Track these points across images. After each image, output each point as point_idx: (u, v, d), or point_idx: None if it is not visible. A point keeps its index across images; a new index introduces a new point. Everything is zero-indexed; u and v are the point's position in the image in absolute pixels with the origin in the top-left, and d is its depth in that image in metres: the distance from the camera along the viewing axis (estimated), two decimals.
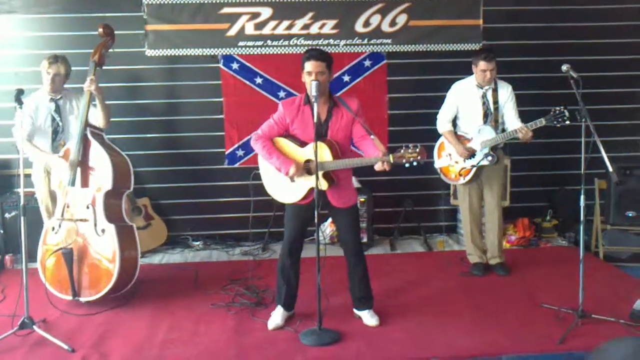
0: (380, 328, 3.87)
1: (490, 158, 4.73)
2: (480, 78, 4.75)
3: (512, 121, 4.75)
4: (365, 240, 5.58)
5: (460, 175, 4.88)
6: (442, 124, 4.94)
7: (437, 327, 3.88)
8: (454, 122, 4.98)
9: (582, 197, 3.83)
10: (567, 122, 4.37)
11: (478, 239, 5.06)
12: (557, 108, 4.40)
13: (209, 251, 5.78)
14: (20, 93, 3.87)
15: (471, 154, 4.79)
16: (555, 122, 4.42)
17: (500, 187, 4.96)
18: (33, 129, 4.55)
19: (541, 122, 4.48)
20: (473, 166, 4.79)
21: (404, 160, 3.60)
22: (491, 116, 4.79)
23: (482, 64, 4.68)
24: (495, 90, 4.79)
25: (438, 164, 5.04)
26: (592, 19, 6.03)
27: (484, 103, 4.79)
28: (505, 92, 4.79)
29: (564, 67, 3.97)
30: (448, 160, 4.94)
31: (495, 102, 4.78)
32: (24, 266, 3.78)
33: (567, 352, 3.51)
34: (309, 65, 3.69)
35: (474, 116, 4.83)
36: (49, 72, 4.53)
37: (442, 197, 6.01)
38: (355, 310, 4.04)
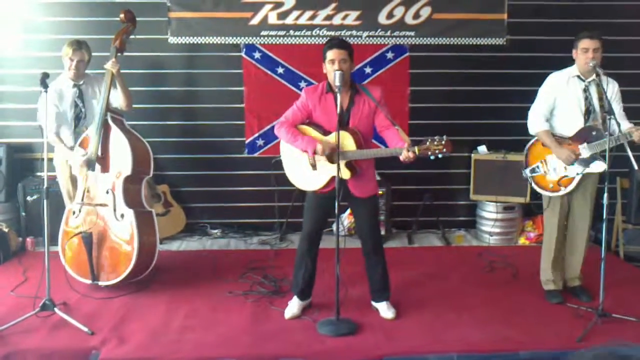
0: (397, 321, 3.87)
1: (598, 163, 4.06)
2: (582, 60, 4.02)
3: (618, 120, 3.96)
4: (383, 232, 5.55)
5: (560, 185, 4.18)
6: (538, 121, 4.16)
7: (454, 321, 3.86)
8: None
9: (605, 195, 3.78)
10: None
11: (561, 262, 4.35)
12: None
13: (227, 239, 5.80)
14: (45, 77, 3.88)
15: (575, 160, 4.09)
16: None
17: (593, 198, 4.24)
18: (60, 120, 4.57)
19: None
20: (578, 174, 4.10)
21: (429, 153, 3.51)
22: (594, 114, 4.08)
23: (585, 42, 3.99)
24: (600, 86, 4.01)
25: (529, 172, 4.28)
26: (619, 16, 5.93)
27: (586, 98, 4.08)
28: (612, 89, 4.10)
29: (591, 64, 3.92)
30: (543, 168, 4.22)
31: (600, 98, 4.02)
32: (46, 249, 3.82)
33: (587, 351, 3.47)
34: (332, 54, 3.65)
35: (573, 114, 4.10)
36: (72, 59, 4.54)
37: (464, 191, 5.97)
38: (372, 302, 4.04)
